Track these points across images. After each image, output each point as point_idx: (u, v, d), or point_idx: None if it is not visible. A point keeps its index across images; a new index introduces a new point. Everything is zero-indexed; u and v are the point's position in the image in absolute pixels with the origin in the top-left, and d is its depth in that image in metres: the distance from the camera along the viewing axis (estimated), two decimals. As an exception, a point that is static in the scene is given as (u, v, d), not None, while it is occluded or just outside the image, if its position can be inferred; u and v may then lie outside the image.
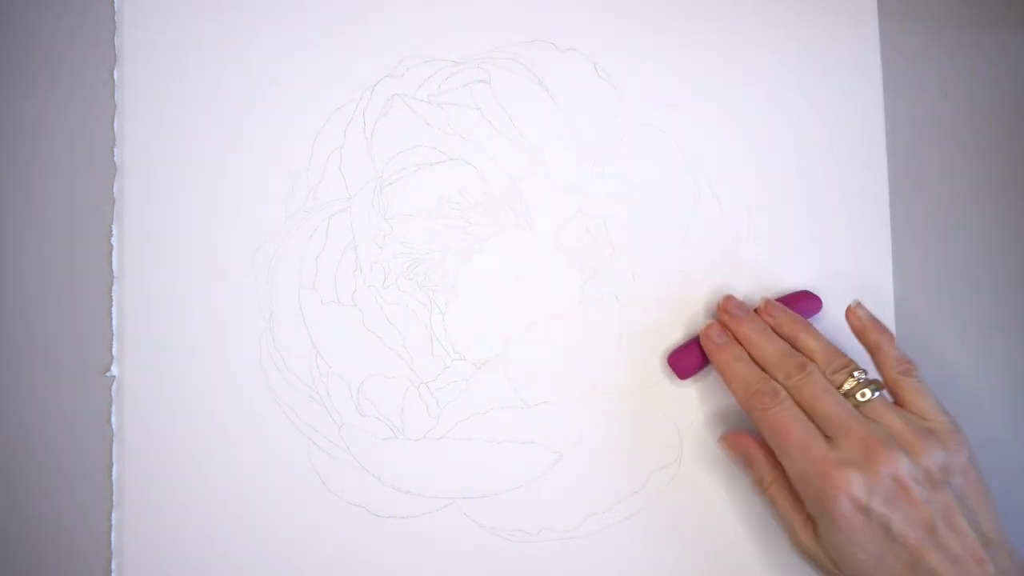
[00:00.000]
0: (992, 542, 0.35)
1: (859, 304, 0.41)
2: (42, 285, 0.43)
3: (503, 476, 0.43)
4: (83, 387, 0.43)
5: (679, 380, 0.42)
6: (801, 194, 0.44)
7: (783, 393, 0.38)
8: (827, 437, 0.37)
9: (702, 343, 0.41)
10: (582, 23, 0.44)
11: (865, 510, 0.35)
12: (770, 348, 0.39)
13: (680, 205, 0.44)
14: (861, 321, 0.40)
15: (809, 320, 0.41)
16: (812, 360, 0.39)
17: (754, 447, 0.39)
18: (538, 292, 0.43)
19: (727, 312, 0.41)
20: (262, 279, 0.43)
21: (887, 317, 0.44)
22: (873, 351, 0.40)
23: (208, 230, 0.43)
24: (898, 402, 0.38)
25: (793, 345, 0.40)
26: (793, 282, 0.43)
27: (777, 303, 0.41)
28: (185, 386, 0.43)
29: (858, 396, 0.38)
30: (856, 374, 0.38)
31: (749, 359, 0.40)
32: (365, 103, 0.44)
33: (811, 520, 0.37)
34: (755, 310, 0.42)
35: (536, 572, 0.42)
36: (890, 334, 0.40)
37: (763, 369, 0.39)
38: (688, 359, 0.42)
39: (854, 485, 0.35)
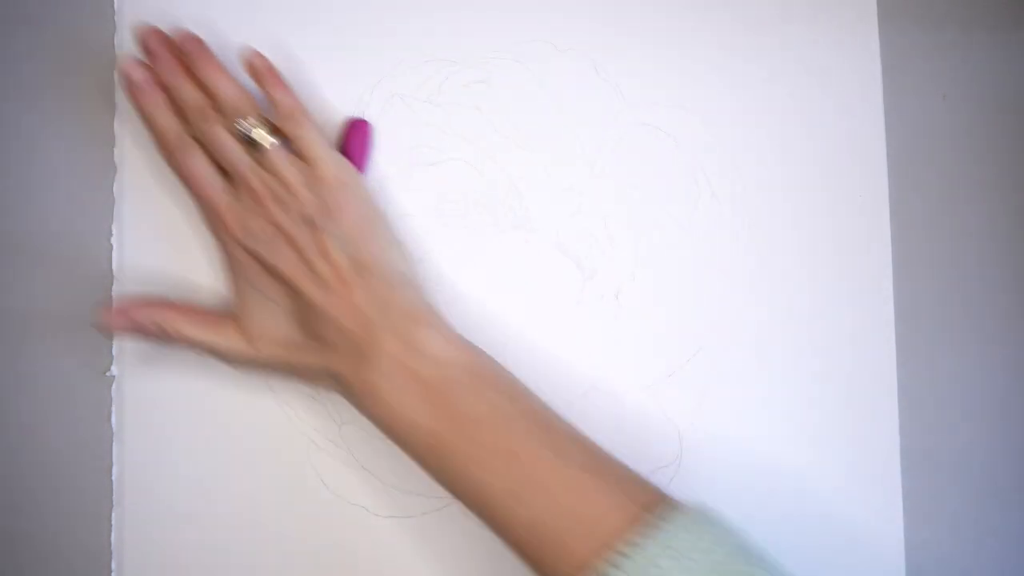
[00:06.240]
0: (366, 268, 0.39)
1: (255, 53, 0.40)
2: (42, 285, 0.43)
3: (503, 476, 0.43)
4: (83, 387, 0.43)
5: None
6: (801, 193, 0.44)
7: (197, 149, 0.40)
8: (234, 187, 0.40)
9: (122, 81, 0.40)
10: (582, 23, 0.44)
11: (250, 251, 0.39)
12: (186, 95, 0.39)
13: (680, 205, 0.44)
14: (255, 70, 0.40)
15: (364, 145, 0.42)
16: (224, 106, 0.39)
17: (137, 313, 0.40)
18: (538, 292, 0.43)
19: (147, 49, 0.40)
20: (262, 279, 0.43)
21: (887, 317, 0.44)
22: (271, 103, 0.40)
23: (208, 230, 0.43)
24: (296, 151, 0.40)
25: (211, 89, 0.39)
26: (792, 282, 0.43)
27: (194, 39, 0.40)
28: (185, 386, 0.43)
29: (262, 144, 0.39)
30: (249, 124, 0.39)
31: (168, 108, 0.40)
32: (365, 103, 0.44)
33: (223, 321, 0.40)
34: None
35: (536, 572, 0.42)
36: (281, 84, 0.40)
37: (183, 115, 0.40)
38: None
39: (237, 230, 0.39)
